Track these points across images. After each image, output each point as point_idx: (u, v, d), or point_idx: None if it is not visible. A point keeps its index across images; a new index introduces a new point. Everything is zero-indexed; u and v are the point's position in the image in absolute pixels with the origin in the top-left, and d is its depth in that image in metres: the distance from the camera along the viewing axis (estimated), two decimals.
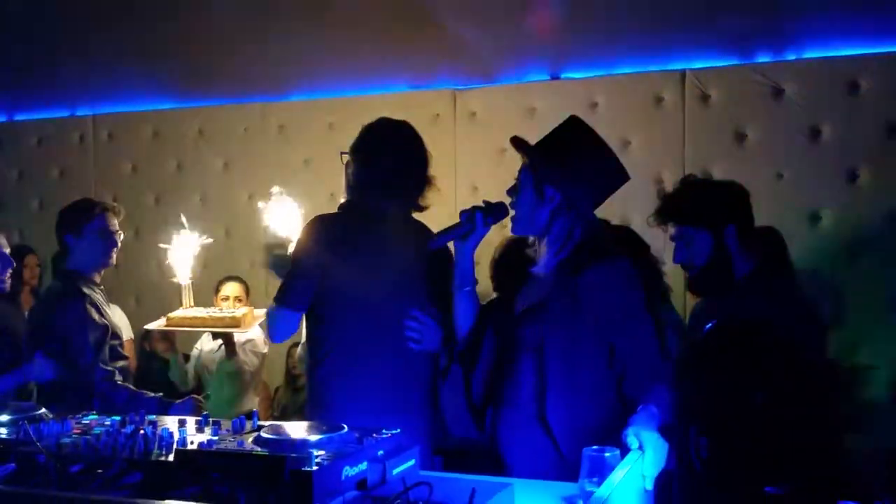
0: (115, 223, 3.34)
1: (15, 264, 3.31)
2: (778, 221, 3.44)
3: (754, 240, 2.58)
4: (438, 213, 3.75)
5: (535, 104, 4.46)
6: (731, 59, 4.17)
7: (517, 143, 2.32)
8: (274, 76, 4.94)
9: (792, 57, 4.08)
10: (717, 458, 1.36)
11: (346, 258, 2.49)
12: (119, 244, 3.36)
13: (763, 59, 4.13)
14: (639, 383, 2.13)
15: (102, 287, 3.35)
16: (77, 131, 5.48)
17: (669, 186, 4.06)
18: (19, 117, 5.63)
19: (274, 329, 2.62)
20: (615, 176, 2.30)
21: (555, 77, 4.49)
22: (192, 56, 5.04)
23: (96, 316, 3.17)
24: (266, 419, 4.31)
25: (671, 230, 2.64)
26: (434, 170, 4.25)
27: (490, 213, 2.34)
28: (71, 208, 3.38)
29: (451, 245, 2.47)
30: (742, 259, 2.54)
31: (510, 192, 2.33)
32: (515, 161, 4.23)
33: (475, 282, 2.42)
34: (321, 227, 2.56)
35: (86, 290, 3.20)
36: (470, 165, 4.52)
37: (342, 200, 2.69)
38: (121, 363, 3.25)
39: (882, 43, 3.90)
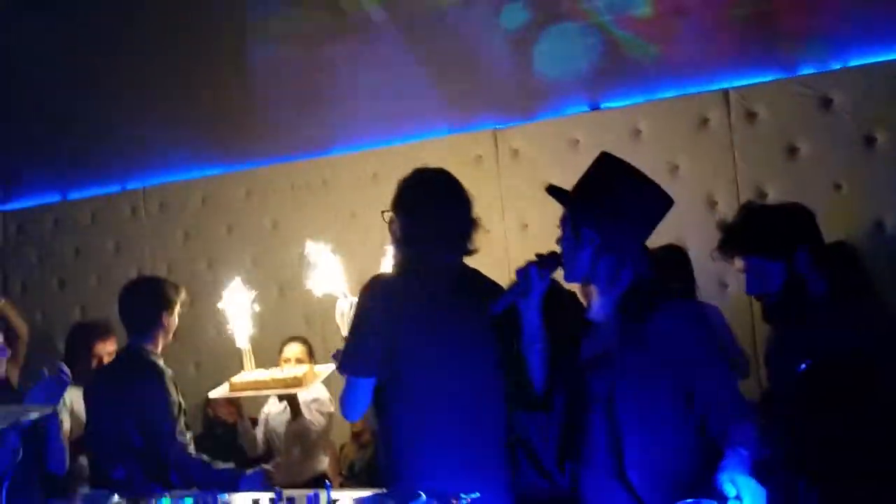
0: None
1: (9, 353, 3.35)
2: (841, 233, 3.33)
3: (826, 257, 2.48)
4: (490, 257, 3.70)
5: (577, 136, 4.42)
6: (774, 73, 4.10)
7: (551, 190, 2.29)
8: (315, 132, 4.99)
9: (837, 66, 3.99)
10: None
11: (412, 317, 2.44)
12: None
13: (807, 70, 4.04)
14: (724, 424, 2.06)
15: None
16: (128, 204, 5.59)
17: (723, 208, 4.07)
18: (73, 196, 5.77)
19: (352, 403, 2.50)
20: (655, 206, 2.23)
21: (595, 107, 4.46)
22: (235, 121, 5.14)
23: (173, 390, 3.21)
24: (335, 478, 4.31)
25: (738, 262, 2.56)
26: (481, 211, 4.24)
27: (543, 264, 2.29)
28: (161, 286, 3.43)
29: None
30: (816, 280, 2.45)
31: (558, 241, 2.30)
32: None
33: (545, 337, 2.34)
34: (382, 288, 2.51)
35: (162, 365, 3.24)
36: (517, 204, 4.48)
37: (393, 258, 2.66)
38: (189, 435, 3.26)
39: None
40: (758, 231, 2.52)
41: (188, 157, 5.35)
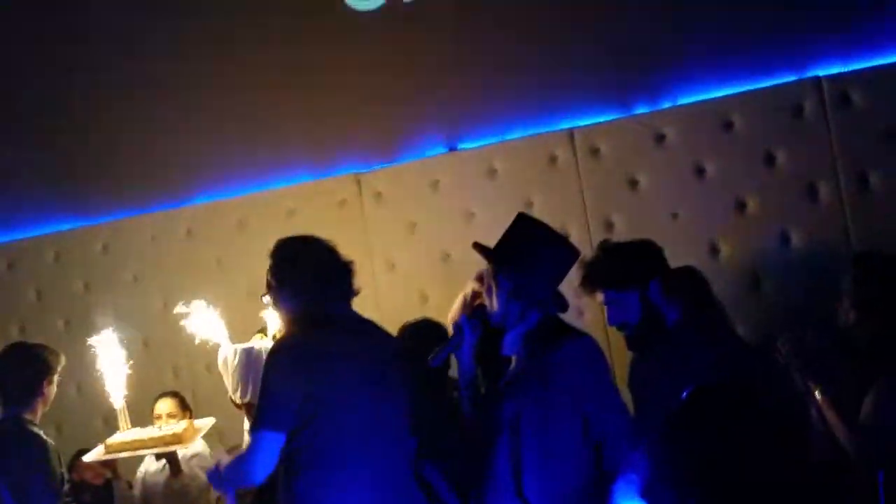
0: None
1: None
2: (681, 259, 3.61)
3: (676, 286, 2.73)
4: (360, 297, 3.81)
5: (437, 177, 4.59)
6: (613, 112, 4.41)
7: (476, 246, 2.60)
8: (176, 182, 4.93)
9: (667, 104, 4.35)
10: None
11: (322, 373, 2.53)
12: None
13: (642, 109, 4.38)
14: (617, 453, 2.30)
15: None
16: None
17: (575, 240, 4.31)
18: None
19: (260, 459, 2.51)
20: (560, 259, 2.55)
21: (452, 149, 4.64)
22: (90, 172, 5.01)
23: (56, 463, 3.09)
24: None
25: (599, 296, 2.78)
26: (348, 253, 4.29)
27: (473, 316, 2.58)
28: (41, 353, 3.33)
29: None
30: (670, 308, 2.69)
31: (487, 291, 2.59)
32: (427, 234, 4.38)
33: (478, 383, 2.60)
34: (290, 347, 2.60)
35: (44, 437, 3.10)
36: (383, 245, 4.59)
37: (283, 324, 2.76)
38: None
39: (747, 81, 4.21)
40: (613, 266, 2.76)
41: (38, 212, 5.15)
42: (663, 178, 4.30)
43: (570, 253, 2.58)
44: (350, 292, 2.72)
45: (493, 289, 2.53)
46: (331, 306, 2.66)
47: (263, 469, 2.53)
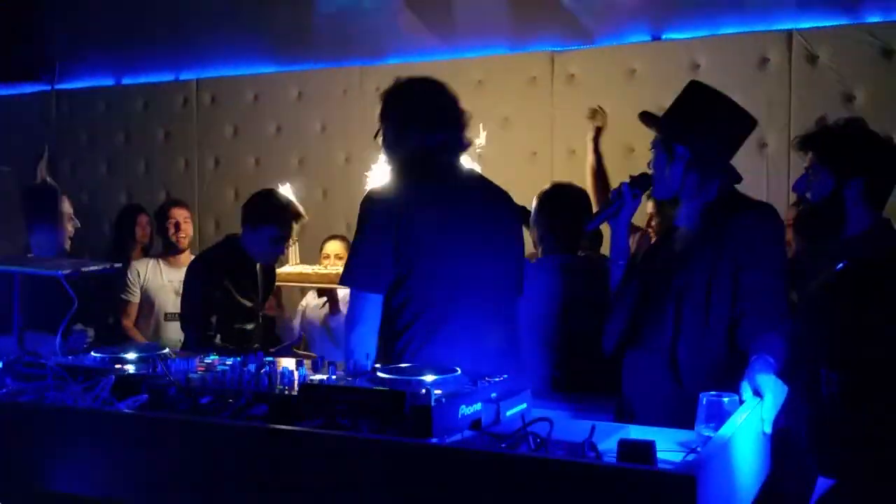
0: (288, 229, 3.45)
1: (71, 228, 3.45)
2: None
3: (878, 197, 2.50)
4: (535, 180, 3.79)
5: (635, 66, 4.40)
6: (840, 18, 4.04)
7: (643, 116, 2.49)
8: (372, 40, 4.98)
9: None
10: (849, 391, 1.37)
11: (418, 223, 2.38)
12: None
13: (873, 18, 3.98)
14: (755, 326, 2.21)
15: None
16: (181, 95, 5.62)
17: (773, 150, 4.09)
18: (126, 81, 5.82)
19: (360, 318, 2.36)
20: (739, 124, 2.42)
21: (656, 38, 4.42)
22: (292, 21, 5.15)
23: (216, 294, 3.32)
24: None
25: (808, 159, 2.59)
26: (530, 132, 4.21)
27: (635, 184, 2.50)
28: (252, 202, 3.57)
29: None
30: (859, 215, 2.47)
31: (649, 164, 2.49)
32: (614, 124, 4.22)
33: (629, 254, 2.56)
34: (381, 198, 2.44)
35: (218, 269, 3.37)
36: (568, 129, 4.49)
37: (389, 169, 2.61)
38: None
39: None
40: (832, 139, 2.52)
41: (244, 52, 5.37)
42: (885, 97, 3.93)
43: (748, 117, 2.43)
44: (461, 143, 2.54)
45: (666, 160, 2.40)
46: (439, 155, 2.48)
47: (368, 323, 2.38)
